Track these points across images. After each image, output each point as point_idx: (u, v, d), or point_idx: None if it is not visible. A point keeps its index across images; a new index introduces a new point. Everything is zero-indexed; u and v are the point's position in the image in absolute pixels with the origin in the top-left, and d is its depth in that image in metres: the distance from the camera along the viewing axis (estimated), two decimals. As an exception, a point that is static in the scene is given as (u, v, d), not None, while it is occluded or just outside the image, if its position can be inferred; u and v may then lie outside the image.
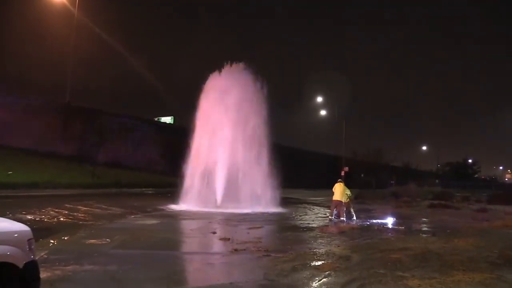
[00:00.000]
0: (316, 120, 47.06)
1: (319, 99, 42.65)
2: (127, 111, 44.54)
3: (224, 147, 18.68)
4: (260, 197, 18.82)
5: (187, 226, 12.73)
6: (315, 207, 20.69)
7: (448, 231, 11.97)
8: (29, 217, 11.31)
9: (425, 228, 13.22)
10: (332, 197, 14.81)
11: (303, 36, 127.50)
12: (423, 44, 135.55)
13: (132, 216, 13.31)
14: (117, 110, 41.78)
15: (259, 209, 17.55)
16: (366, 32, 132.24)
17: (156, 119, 51.68)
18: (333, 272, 6.28)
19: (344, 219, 14.32)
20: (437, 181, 57.48)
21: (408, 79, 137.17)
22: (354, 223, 14.00)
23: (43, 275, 4.12)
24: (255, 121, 18.44)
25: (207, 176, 18.48)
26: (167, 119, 53.27)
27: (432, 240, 9.70)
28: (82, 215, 12.85)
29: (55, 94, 38.86)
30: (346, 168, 35.17)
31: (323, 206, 20.46)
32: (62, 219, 11.74)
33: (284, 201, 23.06)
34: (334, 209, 14.67)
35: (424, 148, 79.41)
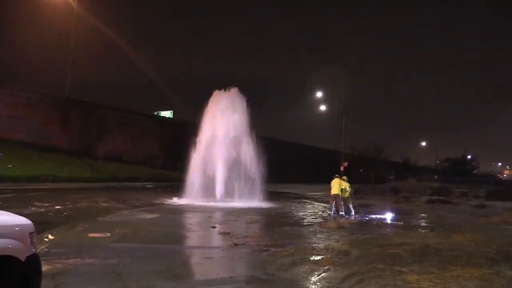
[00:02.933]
0: (316, 115, 46.98)
1: (319, 94, 42.45)
2: (127, 105, 44.53)
3: (224, 146, 19.18)
4: (259, 192, 19.09)
5: (187, 220, 12.76)
6: (314, 202, 20.74)
7: (447, 226, 12.02)
8: (29, 210, 11.32)
9: (423, 224, 13.27)
10: (330, 192, 14.86)
11: (304, 30, 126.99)
12: (422, 40, 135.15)
13: (132, 210, 13.33)
14: (116, 104, 41.72)
15: (258, 203, 17.68)
16: (366, 27, 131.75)
17: (155, 113, 51.58)
18: (332, 267, 6.31)
19: (343, 214, 14.38)
20: (436, 176, 57.48)
21: (408, 75, 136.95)
22: (353, 218, 14.05)
23: (44, 268, 4.12)
24: (249, 125, 20.14)
25: (208, 172, 18.74)
26: (167, 113, 53.16)
27: (431, 235, 9.72)
28: (82, 208, 12.87)
29: (55, 88, 38.72)
30: (346, 163, 35.13)
31: (322, 201, 20.50)
32: (62, 212, 11.76)
33: (283, 196, 23.17)
34: (333, 204, 14.73)
35: (424, 143, 79.48)
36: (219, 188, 18.60)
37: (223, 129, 19.44)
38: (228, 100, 20.07)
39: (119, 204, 14.59)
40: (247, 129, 19.96)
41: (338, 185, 14.54)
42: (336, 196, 14.50)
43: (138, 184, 28.32)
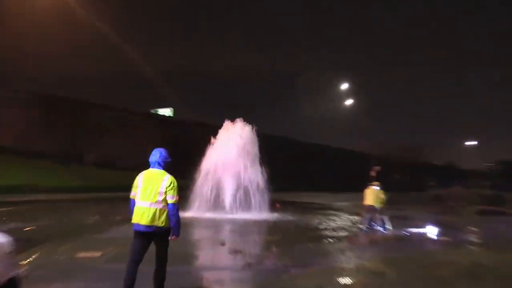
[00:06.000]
0: (341, 114, 46.84)
1: (345, 86, 42.30)
2: (122, 104, 45.09)
3: (233, 154, 19.45)
4: (275, 202, 19.05)
5: (193, 235, 12.74)
6: (341, 213, 20.59)
7: (502, 242, 11.79)
8: (8, 226, 11.46)
9: (473, 239, 13.05)
10: (363, 202, 14.70)
11: (324, 26, 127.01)
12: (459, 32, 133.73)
13: (128, 224, 13.38)
14: (110, 102, 42.22)
15: (275, 216, 17.62)
16: (396, 22, 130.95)
17: (153, 110, 52.02)
18: (365, 291, 6.22)
19: (379, 227, 14.21)
20: (487, 182, 56.66)
21: (451, 66, 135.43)
22: (388, 232, 13.88)
23: (25, 294, 4.12)
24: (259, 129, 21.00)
25: (216, 180, 18.82)
26: (166, 111, 53.61)
27: (483, 253, 9.54)
28: (70, 223, 12.98)
29: (39, 85, 39.36)
30: (378, 168, 34.78)
31: (350, 213, 20.35)
32: (46, 228, 11.87)
33: (304, 207, 23.06)
34: (367, 217, 14.56)
35: (470, 143, 78.33)
36: (228, 199, 18.59)
37: (233, 142, 19.82)
38: (238, 127, 20.91)
39: (112, 217, 14.68)
40: (257, 135, 20.39)
41: (373, 195, 14.34)
42: (370, 207, 14.34)
43: (134, 194, 28.50)
